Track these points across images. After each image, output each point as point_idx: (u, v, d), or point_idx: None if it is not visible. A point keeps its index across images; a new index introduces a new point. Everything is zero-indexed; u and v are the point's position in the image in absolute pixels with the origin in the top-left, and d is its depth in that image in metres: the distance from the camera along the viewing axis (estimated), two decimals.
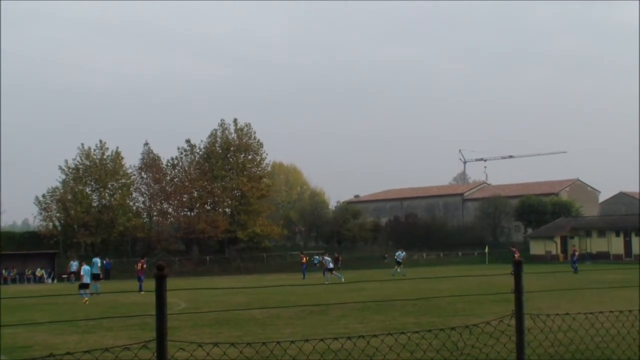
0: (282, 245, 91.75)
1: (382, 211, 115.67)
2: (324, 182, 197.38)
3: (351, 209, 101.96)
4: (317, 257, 67.78)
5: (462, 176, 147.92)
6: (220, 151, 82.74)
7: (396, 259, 55.55)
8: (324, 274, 49.32)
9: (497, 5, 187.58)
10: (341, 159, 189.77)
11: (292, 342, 6.31)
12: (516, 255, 48.89)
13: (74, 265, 53.53)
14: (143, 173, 79.84)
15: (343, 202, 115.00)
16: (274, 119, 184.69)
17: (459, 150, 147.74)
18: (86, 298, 32.50)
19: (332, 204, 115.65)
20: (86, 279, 34.70)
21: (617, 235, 74.82)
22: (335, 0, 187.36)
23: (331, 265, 49.36)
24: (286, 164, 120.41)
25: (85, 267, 35.76)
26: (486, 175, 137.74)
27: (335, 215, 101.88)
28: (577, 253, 51.25)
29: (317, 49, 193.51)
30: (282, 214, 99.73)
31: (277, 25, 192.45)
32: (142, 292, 34.32)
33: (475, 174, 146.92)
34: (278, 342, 5.67)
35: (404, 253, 57.81)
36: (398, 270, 52.93)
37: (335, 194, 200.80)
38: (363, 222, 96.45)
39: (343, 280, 44.98)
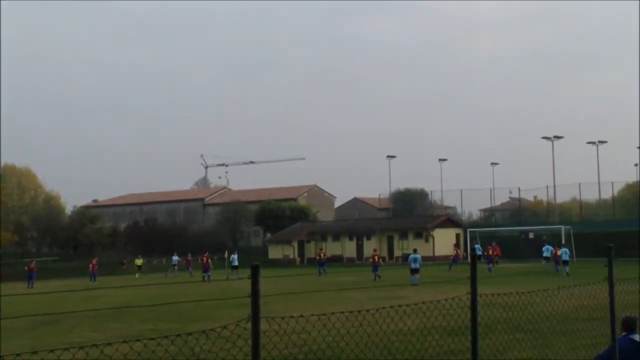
0: (12, 252, 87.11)
1: (121, 216, 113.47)
2: (62, 186, 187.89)
3: (89, 213, 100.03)
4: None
5: (204, 181, 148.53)
6: None
7: (412, 265, 40.55)
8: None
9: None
10: (80, 163, 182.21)
11: (18, 354, 5.87)
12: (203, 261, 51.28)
13: None
14: None
15: (80, 207, 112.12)
16: (6, 118, 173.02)
17: (201, 155, 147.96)
18: None
19: (69, 209, 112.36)
20: None
21: (351, 239, 79.11)
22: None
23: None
24: (19, 167, 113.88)
25: None
26: (227, 180, 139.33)
27: (71, 220, 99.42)
28: (323, 256, 52.88)
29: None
30: (12, 219, 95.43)
31: None
32: None
33: (217, 179, 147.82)
34: (1, 357, 5.26)
35: (419, 256, 41.88)
36: (417, 277, 39.09)
37: (73, 199, 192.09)
38: (101, 227, 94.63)
39: None
